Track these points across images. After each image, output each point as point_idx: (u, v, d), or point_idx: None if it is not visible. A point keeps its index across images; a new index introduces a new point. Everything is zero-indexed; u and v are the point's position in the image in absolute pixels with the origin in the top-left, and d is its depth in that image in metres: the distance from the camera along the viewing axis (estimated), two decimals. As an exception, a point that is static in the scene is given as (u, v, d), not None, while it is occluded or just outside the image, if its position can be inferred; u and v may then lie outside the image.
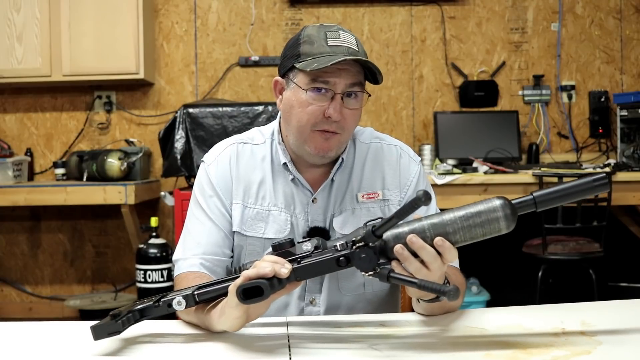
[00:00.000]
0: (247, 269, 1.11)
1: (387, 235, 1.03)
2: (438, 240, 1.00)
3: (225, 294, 1.09)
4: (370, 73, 1.31)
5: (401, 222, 1.02)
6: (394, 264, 1.04)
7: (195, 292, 1.10)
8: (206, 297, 1.11)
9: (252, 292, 1.02)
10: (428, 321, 1.21)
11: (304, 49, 1.29)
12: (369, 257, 1.02)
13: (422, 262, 1.02)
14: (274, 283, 1.02)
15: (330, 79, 1.27)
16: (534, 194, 1.02)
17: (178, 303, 1.09)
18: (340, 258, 1.04)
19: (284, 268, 1.03)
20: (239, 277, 1.06)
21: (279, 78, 1.37)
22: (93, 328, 1.06)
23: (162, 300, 1.10)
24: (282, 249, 1.09)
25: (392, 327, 1.18)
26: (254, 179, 1.40)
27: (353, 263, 1.03)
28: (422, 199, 0.94)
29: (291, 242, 1.09)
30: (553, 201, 1.01)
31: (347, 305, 1.40)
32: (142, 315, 1.10)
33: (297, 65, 1.28)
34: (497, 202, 1.00)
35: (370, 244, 1.02)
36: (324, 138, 1.30)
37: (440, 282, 1.07)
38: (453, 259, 1.02)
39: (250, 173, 1.41)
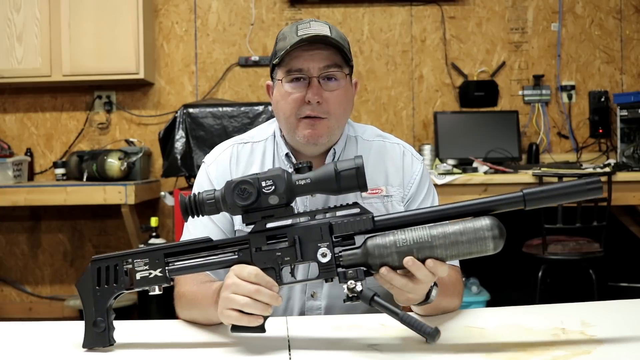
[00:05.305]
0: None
1: (371, 245, 1.02)
2: (429, 262, 0.99)
3: (198, 267, 1.08)
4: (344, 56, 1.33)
5: (386, 232, 1.02)
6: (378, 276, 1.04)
7: (167, 269, 1.08)
8: (179, 274, 1.09)
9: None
10: (428, 321, 1.20)
11: (279, 46, 1.35)
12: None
13: (413, 277, 1.02)
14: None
15: (303, 65, 1.31)
16: (524, 191, 1.00)
17: (153, 290, 1.08)
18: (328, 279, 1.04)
19: (279, 299, 1.04)
20: (213, 244, 1.08)
21: (269, 81, 1.42)
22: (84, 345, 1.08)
23: (136, 289, 1.08)
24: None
25: (392, 327, 1.18)
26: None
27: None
28: (432, 336, 0.99)
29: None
30: (542, 201, 0.99)
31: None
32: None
33: (274, 62, 1.35)
34: (487, 222, 0.98)
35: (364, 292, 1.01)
36: (310, 125, 1.32)
37: (427, 288, 1.07)
38: (444, 273, 1.02)
39: (249, 170, 1.42)
